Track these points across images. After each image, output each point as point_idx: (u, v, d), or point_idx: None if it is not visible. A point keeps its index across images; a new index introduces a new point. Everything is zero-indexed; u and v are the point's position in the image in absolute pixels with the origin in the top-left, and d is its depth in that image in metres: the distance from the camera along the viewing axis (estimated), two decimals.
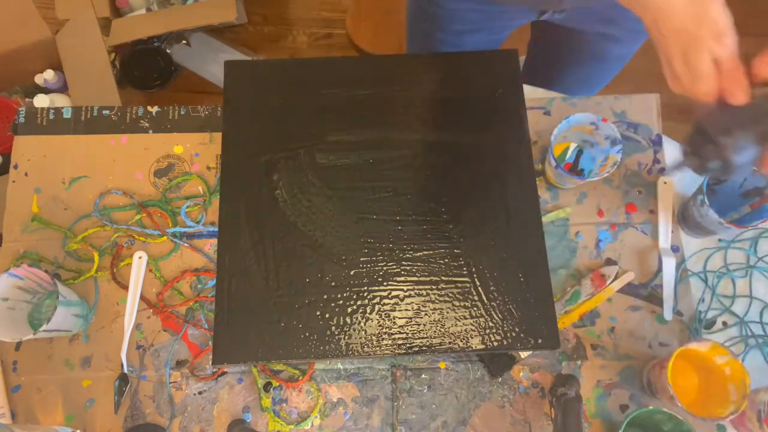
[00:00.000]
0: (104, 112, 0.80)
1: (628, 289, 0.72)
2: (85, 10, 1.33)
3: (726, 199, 0.71)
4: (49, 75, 1.34)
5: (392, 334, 0.60)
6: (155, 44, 1.55)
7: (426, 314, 0.60)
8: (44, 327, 0.62)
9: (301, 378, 0.69)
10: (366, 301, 0.61)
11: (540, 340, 0.60)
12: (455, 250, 0.63)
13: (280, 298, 0.61)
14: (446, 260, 0.62)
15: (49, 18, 1.33)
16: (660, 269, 0.72)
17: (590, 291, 0.71)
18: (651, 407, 0.61)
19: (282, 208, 0.64)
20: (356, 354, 0.59)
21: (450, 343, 0.60)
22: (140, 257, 0.73)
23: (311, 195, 0.65)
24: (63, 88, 1.37)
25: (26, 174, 0.77)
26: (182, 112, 0.80)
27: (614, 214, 0.75)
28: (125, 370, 0.69)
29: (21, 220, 0.75)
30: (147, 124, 0.79)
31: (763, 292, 0.73)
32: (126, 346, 0.69)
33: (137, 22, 1.45)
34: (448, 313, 0.61)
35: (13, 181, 0.77)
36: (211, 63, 1.60)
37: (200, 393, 0.69)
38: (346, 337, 0.60)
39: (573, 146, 0.76)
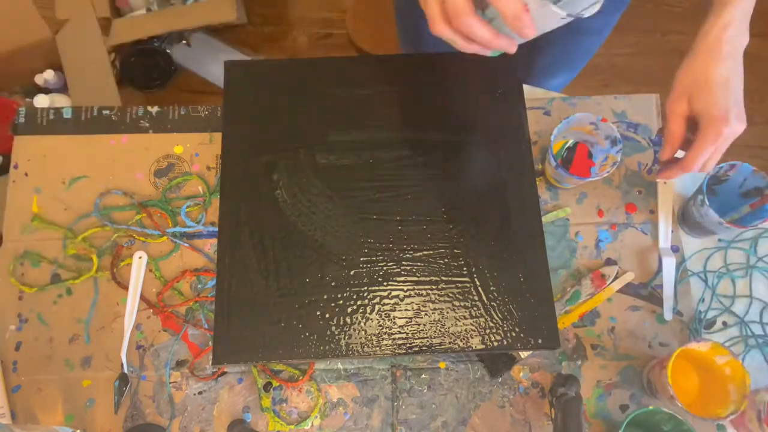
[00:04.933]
0: (104, 112, 0.80)
1: (628, 289, 0.72)
2: (85, 10, 1.33)
3: (726, 199, 0.71)
4: (49, 75, 1.34)
5: (392, 334, 0.60)
6: (155, 44, 1.55)
7: (426, 314, 0.61)
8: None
9: (301, 378, 0.69)
10: (366, 301, 0.61)
11: (540, 340, 0.60)
12: (455, 250, 0.63)
13: (280, 298, 0.61)
14: (446, 260, 0.62)
15: (49, 18, 1.33)
16: (660, 269, 0.72)
17: (590, 291, 0.71)
18: (651, 407, 0.61)
19: (282, 208, 0.64)
20: (356, 354, 0.59)
21: (450, 343, 0.60)
22: (140, 257, 0.73)
23: (311, 195, 0.65)
24: (63, 88, 1.37)
25: (26, 174, 0.77)
26: (182, 112, 0.80)
27: (614, 214, 0.75)
28: (125, 370, 0.69)
29: (21, 220, 0.75)
30: (147, 124, 0.79)
31: (763, 292, 0.73)
32: (126, 346, 0.69)
33: (137, 22, 1.45)
34: (448, 313, 0.61)
35: (13, 181, 0.77)
36: (211, 63, 1.60)
37: (200, 393, 0.69)
38: (346, 337, 0.60)
39: (569, 142, 0.76)
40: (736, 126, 0.52)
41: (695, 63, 0.52)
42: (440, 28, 0.45)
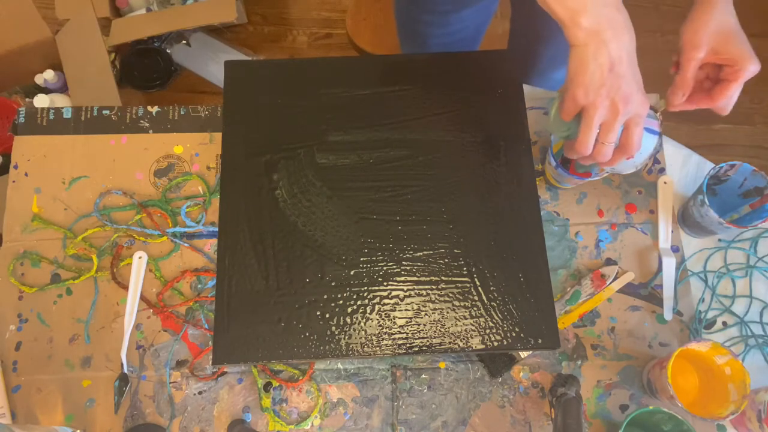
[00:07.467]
0: (104, 112, 0.80)
1: (628, 289, 0.72)
2: (85, 10, 1.33)
3: (726, 199, 0.71)
4: (49, 75, 1.34)
5: (392, 334, 0.60)
6: (155, 44, 1.55)
7: (426, 314, 0.61)
8: None
9: (301, 378, 0.69)
10: (366, 301, 0.61)
11: (540, 340, 0.60)
12: (455, 250, 0.63)
13: (280, 298, 0.61)
14: (446, 260, 0.62)
15: (49, 18, 1.33)
16: (660, 269, 0.72)
17: (590, 291, 0.71)
18: (651, 407, 0.61)
19: (282, 208, 0.64)
20: (356, 354, 0.59)
21: (450, 343, 0.60)
22: (140, 257, 0.73)
23: (311, 195, 0.65)
24: (63, 88, 1.37)
25: (26, 174, 0.77)
26: (182, 112, 0.80)
27: (614, 214, 0.75)
28: (125, 370, 0.69)
29: (21, 220, 0.75)
30: (147, 124, 0.79)
31: (763, 292, 0.73)
32: (126, 346, 0.69)
33: (137, 22, 1.45)
34: (448, 313, 0.61)
35: (13, 181, 0.77)
36: (211, 63, 1.60)
37: (200, 393, 0.69)
38: (346, 337, 0.60)
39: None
40: (758, 65, 0.57)
41: (714, 13, 0.56)
42: (584, 150, 0.53)
